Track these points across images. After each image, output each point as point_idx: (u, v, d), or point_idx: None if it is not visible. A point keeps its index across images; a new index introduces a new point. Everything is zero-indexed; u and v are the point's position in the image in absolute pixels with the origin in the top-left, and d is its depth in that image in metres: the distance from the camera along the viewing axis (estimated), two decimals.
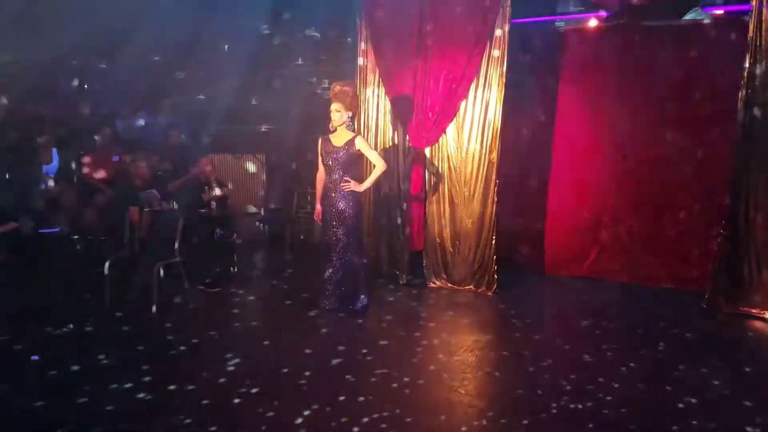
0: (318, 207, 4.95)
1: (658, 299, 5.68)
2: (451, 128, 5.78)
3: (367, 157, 4.99)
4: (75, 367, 3.74)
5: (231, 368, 3.76)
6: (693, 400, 3.46)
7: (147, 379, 3.60)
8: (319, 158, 4.87)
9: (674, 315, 5.18)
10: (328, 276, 4.90)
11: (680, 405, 3.42)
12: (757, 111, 4.98)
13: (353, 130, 4.88)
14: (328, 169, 4.80)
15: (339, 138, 4.78)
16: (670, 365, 4.02)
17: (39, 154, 6.20)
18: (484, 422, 3.20)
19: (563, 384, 3.66)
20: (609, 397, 3.48)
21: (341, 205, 4.78)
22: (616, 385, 3.65)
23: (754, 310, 5.13)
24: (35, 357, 3.91)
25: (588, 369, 3.93)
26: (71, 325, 4.47)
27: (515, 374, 3.83)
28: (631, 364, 3.99)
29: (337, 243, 4.80)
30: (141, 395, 3.39)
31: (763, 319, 5.06)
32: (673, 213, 6.03)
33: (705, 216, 5.84)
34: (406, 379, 3.69)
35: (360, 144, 4.80)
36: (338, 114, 4.73)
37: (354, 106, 4.84)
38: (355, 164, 4.89)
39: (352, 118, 4.86)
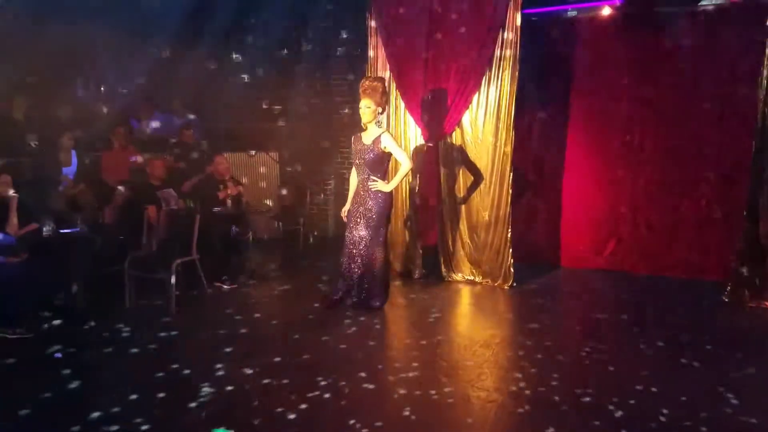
0: (347, 206, 4.92)
1: (677, 291, 5.60)
2: (465, 120, 5.73)
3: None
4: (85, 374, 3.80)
5: (249, 372, 3.72)
6: (733, 400, 3.37)
7: (161, 377, 3.64)
8: (353, 157, 4.90)
9: (697, 309, 5.09)
10: (349, 271, 4.85)
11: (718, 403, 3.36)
12: None
13: (382, 127, 4.85)
14: (357, 167, 4.80)
15: (368, 136, 4.76)
16: (698, 361, 3.93)
17: (58, 156, 6.30)
18: (503, 417, 3.18)
19: (584, 379, 3.62)
20: (634, 390, 3.43)
21: (369, 203, 4.75)
22: (638, 382, 3.58)
23: None
24: (58, 354, 3.98)
25: (610, 363, 3.88)
26: (92, 323, 4.55)
27: (534, 369, 3.79)
28: (652, 357, 3.95)
29: (360, 241, 4.76)
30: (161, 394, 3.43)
31: None
32: (692, 203, 5.94)
33: (725, 205, 5.75)
34: (421, 374, 3.69)
35: (387, 140, 4.73)
36: (368, 110, 4.68)
37: (384, 102, 4.79)
38: (383, 162, 4.81)
39: (381, 114, 4.82)
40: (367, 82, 4.72)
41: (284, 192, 6.26)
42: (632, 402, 3.30)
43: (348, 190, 5.06)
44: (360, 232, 4.77)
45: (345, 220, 4.92)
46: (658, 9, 5.78)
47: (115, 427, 3.00)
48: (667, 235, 6.06)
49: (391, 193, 4.87)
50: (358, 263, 4.80)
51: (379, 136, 4.70)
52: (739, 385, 3.52)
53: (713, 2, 5.80)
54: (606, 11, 6.13)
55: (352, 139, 4.89)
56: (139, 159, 6.54)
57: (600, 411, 3.21)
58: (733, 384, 3.53)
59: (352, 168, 4.96)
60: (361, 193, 4.77)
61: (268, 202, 7.46)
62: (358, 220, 4.77)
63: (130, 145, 6.77)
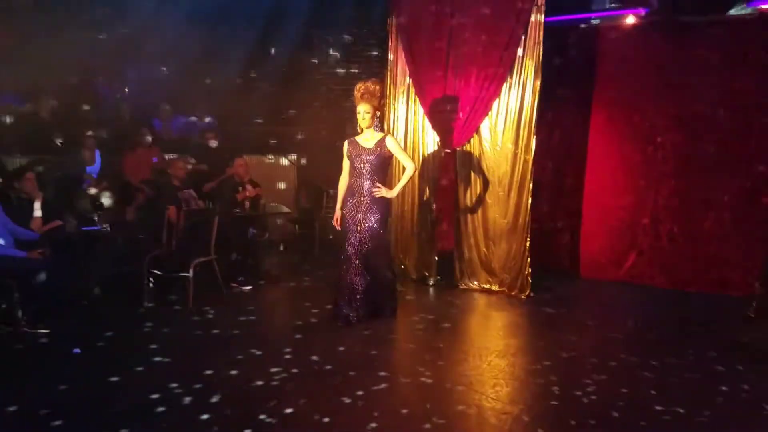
0: (338, 212, 4.68)
1: (699, 305, 5.48)
2: (485, 127, 5.68)
3: (396, 159, 4.86)
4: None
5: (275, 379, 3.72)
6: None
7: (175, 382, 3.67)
8: (345, 162, 4.66)
9: (721, 324, 4.98)
10: (354, 284, 4.57)
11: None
12: None
13: (381, 130, 4.72)
14: (357, 172, 4.57)
15: (368, 140, 4.57)
16: (722, 379, 3.83)
17: (83, 155, 6.43)
18: (517, 430, 3.12)
19: (602, 393, 3.56)
20: (655, 408, 3.36)
21: (371, 209, 4.54)
22: (659, 400, 3.49)
23: None
24: (76, 350, 4.04)
25: (629, 379, 3.79)
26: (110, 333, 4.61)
27: (549, 381, 3.73)
28: (673, 375, 3.85)
29: (362, 248, 4.53)
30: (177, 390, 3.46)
31: None
32: (715, 215, 5.81)
33: (749, 218, 5.62)
34: (435, 382, 3.66)
35: (391, 144, 4.60)
36: (368, 116, 4.51)
37: (382, 105, 4.68)
38: (387, 166, 4.70)
39: (381, 119, 4.70)
40: (363, 87, 4.50)
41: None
42: (653, 419, 3.23)
43: (337, 195, 4.79)
44: (363, 241, 4.53)
45: (337, 227, 4.68)
46: (684, 18, 5.69)
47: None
48: (690, 248, 5.94)
49: (390, 199, 4.73)
50: (363, 275, 4.57)
51: (383, 139, 4.56)
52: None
53: (741, 11, 5.70)
54: (630, 20, 6.06)
55: (345, 143, 4.66)
56: (156, 159, 6.65)
57: (621, 427, 3.15)
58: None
59: (341, 173, 4.73)
60: (360, 198, 4.54)
61: (283, 208, 7.50)
62: (359, 227, 4.54)
63: (152, 146, 6.87)
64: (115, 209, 6.08)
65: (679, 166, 5.94)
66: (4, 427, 3.06)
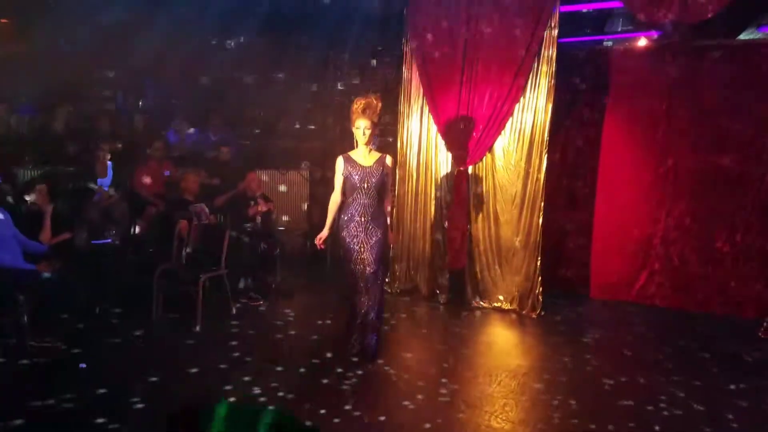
0: (326, 233, 4.40)
1: (712, 326, 5.46)
2: (498, 146, 5.73)
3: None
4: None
5: (274, 384, 3.74)
6: None
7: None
8: (338, 179, 4.34)
9: (733, 345, 4.95)
10: (364, 309, 4.27)
11: None
12: None
13: (377, 149, 4.50)
14: (358, 191, 4.26)
15: (366, 157, 4.29)
16: (733, 400, 3.82)
17: (95, 167, 6.45)
18: None
19: (612, 415, 3.53)
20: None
21: (374, 230, 4.28)
22: (671, 421, 3.49)
23: None
24: (83, 365, 4.01)
25: (642, 400, 3.78)
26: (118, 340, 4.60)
27: (560, 402, 3.71)
28: (682, 394, 3.83)
29: (365, 270, 4.23)
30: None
31: None
32: (728, 236, 5.80)
33: (761, 239, 5.60)
34: (445, 401, 3.64)
35: (391, 164, 4.40)
36: (368, 132, 4.22)
37: (380, 122, 4.42)
38: (387, 186, 4.42)
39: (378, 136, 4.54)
40: (364, 101, 4.23)
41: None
42: None
43: (327, 214, 4.47)
44: (370, 265, 4.24)
45: (319, 246, 4.42)
46: (696, 42, 5.73)
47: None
48: (702, 269, 5.92)
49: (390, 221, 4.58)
50: (367, 301, 4.26)
51: (383, 159, 4.33)
52: None
53: (751, 35, 5.74)
54: (642, 42, 6.11)
55: (341, 160, 4.33)
56: (168, 172, 6.66)
57: None
58: None
59: (335, 190, 4.41)
60: (361, 218, 4.26)
61: (288, 219, 7.49)
62: (362, 248, 4.24)
63: (165, 159, 6.90)
64: (126, 222, 6.09)
65: (691, 186, 5.95)
66: None
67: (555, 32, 5.45)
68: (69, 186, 6.13)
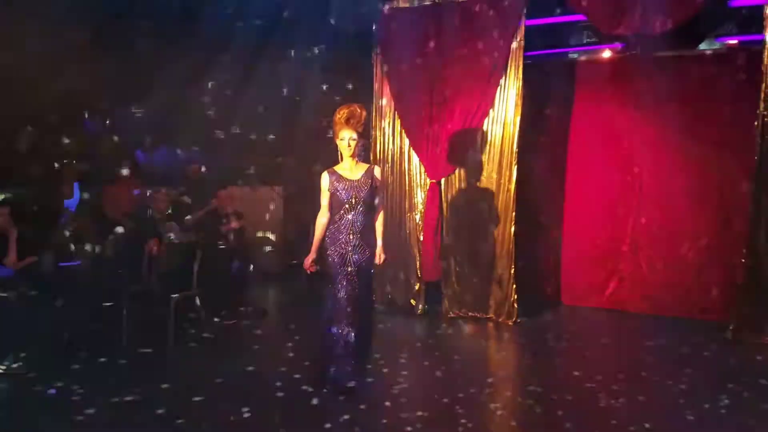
0: (313, 255, 4.01)
1: (680, 330, 5.56)
2: (470, 158, 5.82)
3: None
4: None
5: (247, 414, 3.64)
6: None
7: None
8: (325, 196, 3.99)
9: (698, 347, 5.06)
10: (348, 336, 3.85)
11: None
12: None
13: (364, 160, 4.34)
14: (345, 207, 3.93)
15: (353, 170, 3.98)
16: (697, 400, 3.90)
17: (61, 188, 6.31)
18: None
19: (588, 421, 3.58)
20: None
21: (364, 248, 3.96)
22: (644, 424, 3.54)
23: None
24: (52, 390, 3.90)
25: (616, 405, 3.82)
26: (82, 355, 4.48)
27: (538, 409, 3.74)
28: (657, 399, 3.89)
29: (352, 293, 3.88)
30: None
31: None
32: (692, 242, 5.96)
33: (725, 244, 5.76)
34: (419, 413, 3.62)
35: (378, 175, 4.10)
36: (354, 143, 3.91)
37: (365, 131, 4.12)
38: (375, 199, 4.09)
39: (364, 147, 4.45)
40: (348, 111, 3.90)
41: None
42: None
43: (315, 236, 4.07)
44: (360, 288, 3.93)
45: (309, 270, 4.01)
46: (657, 53, 5.91)
47: None
48: (669, 274, 6.06)
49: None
50: (353, 327, 3.87)
51: (371, 170, 4.03)
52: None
53: (711, 47, 5.94)
54: (607, 54, 6.27)
55: (326, 175, 3.98)
56: (138, 191, 6.56)
57: None
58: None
59: (321, 209, 4.02)
60: (349, 236, 3.91)
61: (269, 235, 7.44)
62: (353, 270, 3.91)
63: (134, 178, 6.79)
64: (94, 244, 5.96)
65: (656, 194, 6.10)
66: None
67: (522, 45, 5.57)
68: (33, 208, 5.98)
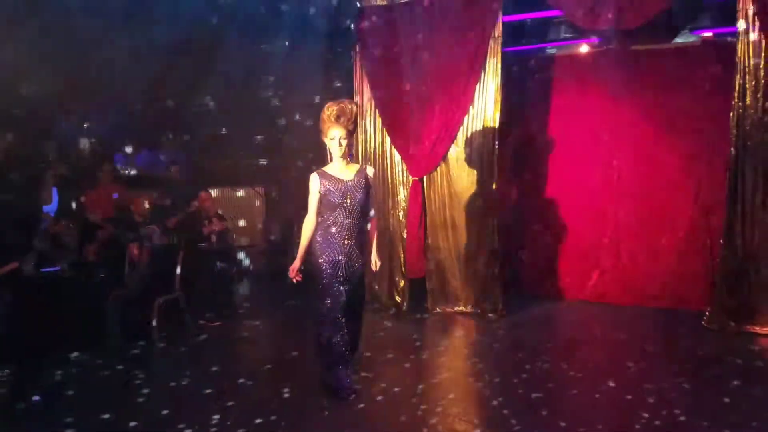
0: (299, 262, 3.75)
1: (661, 320, 5.63)
2: (450, 155, 5.85)
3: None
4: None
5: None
6: (705, 424, 3.40)
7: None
8: (314, 199, 3.73)
9: (678, 335, 5.15)
10: (344, 343, 3.70)
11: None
12: (748, 129, 5.03)
13: (354, 159, 4.21)
14: (338, 210, 3.68)
15: (345, 171, 3.74)
16: (675, 388, 3.95)
17: (40, 194, 6.24)
18: None
19: (572, 412, 3.62)
20: (618, 426, 3.42)
21: (358, 255, 3.75)
22: (630, 417, 3.57)
23: (756, 327, 5.10)
24: (37, 397, 3.86)
25: (600, 396, 3.87)
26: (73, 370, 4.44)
27: (521, 402, 3.78)
28: (631, 389, 3.93)
29: (346, 299, 3.71)
30: None
31: (764, 335, 5.02)
32: (672, 233, 6.04)
33: (704, 235, 5.85)
34: (407, 405, 3.66)
35: (372, 175, 3.87)
36: (345, 142, 3.68)
37: (356, 129, 3.86)
38: (369, 202, 3.85)
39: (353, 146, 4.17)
40: (338, 107, 3.64)
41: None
42: None
43: (302, 241, 3.80)
44: (353, 295, 3.76)
45: (295, 279, 3.74)
46: (634, 47, 5.97)
47: None
48: (650, 266, 6.13)
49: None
50: (347, 336, 3.73)
51: (363, 170, 3.82)
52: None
53: (687, 40, 6.01)
54: (584, 49, 6.32)
55: (316, 177, 3.73)
56: (118, 195, 6.51)
57: None
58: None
59: (309, 213, 3.77)
60: (345, 241, 3.69)
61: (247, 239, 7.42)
62: (345, 276, 3.70)
63: (114, 182, 6.73)
64: (75, 249, 5.91)
65: (635, 186, 6.17)
66: None
67: (500, 42, 5.60)
68: (13, 214, 5.91)
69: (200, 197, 6.25)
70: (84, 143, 7.18)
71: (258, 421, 3.47)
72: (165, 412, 3.61)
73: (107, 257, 5.75)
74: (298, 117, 7.69)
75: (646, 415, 3.49)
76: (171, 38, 6.42)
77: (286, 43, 6.95)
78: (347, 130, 3.67)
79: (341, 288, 3.69)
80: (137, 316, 5.00)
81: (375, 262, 3.93)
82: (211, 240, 6.07)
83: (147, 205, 6.01)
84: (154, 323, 4.87)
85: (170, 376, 4.21)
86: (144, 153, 7.57)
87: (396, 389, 3.96)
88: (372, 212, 3.92)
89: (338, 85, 6.96)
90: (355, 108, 3.73)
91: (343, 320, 3.69)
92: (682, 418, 3.45)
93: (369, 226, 3.89)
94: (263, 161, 7.78)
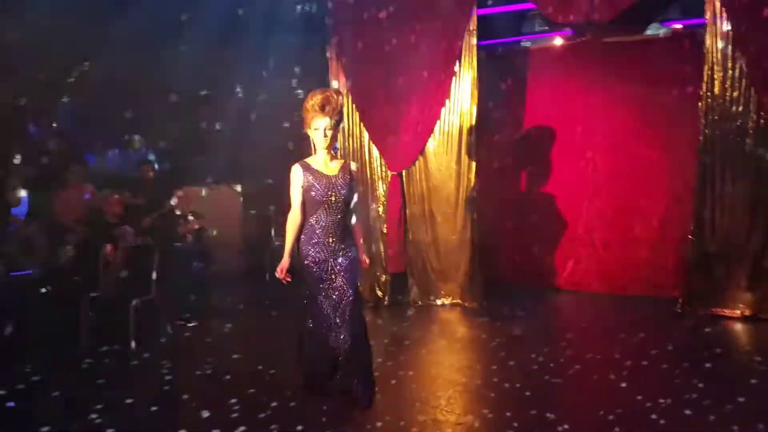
0: (286, 261, 3.55)
1: (635, 307, 5.76)
2: (428, 148, 5.89)
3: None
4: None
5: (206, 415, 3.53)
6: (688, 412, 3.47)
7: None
8: (297, 193, 3.55)
9: (651, 321, 5.27)
10: (336, 346, 3.48)
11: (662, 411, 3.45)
12: (716, 118, 5.14)
13: (336, 154, 3.94)
14: (322, 207, 3.50)
15: (329, 166, 3.55)
16: (648, 371, 4.06)
17: (6, 197, 6.06)
18: None
19: (553, 401, 3.67)
20: (600, 412, 3.45)
21: (346, 252, 3.55)
22: (608, 406, 3.61)
23: (726, 311, 5.26)
24: (11, 403, 3.76)
25: (579, 385, 3.95)
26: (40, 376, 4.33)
27: (502, 390, 3.81)
28: (612, 376, 4.01)
29: (348, 304, 3.48)
30: None
31: (734, 318, 5.19)
32: (645, 222, 6.17)
33: (676, 223, 5.98)
34: (392, 396, 3.68)
35: (356, 170, 3.73)
36: (330, 133, 3.48)
37: (341, 120, 3.67)
38: (354, 199, 3.70)
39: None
40: (323, 96, 3.44)
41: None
42: (608, 416, 3.34)
43: (287, 239, 3.60)
44: (345, 292, 3.50)
45: (284, 279, 3.52)
46: (606, 39, 6.05)
47: None
48: (624, 254, 6.27)
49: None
50: (348, 333, 3.47)
51: (348, 164, 3.65)
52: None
53: (658, 32, 6.11)
54: (558, 41, 6.39)
55: (298, 169, 3.53)
56: (90, 195, 6.36)
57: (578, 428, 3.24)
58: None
59: (292, 208, 3.58)
60: (330, 239, 3.50)
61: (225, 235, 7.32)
62: (333, 276, 3.50)
63: (85, 183, 6.57)
64: (47, 251, 5.75)
65: (609, 177, 6.30)
66: None
67: (474, 35, 5.63)
68: None
69: (175, 195, 6.15)
70: (53, 143, 6.98)
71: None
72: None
73: (80, 259, 5.62)
74: (271, 112, 7.63)
75: (623, 400, 3.56)
76: (140, 34, 6.30)
77: (261, 36, 6.86)
78: (333, 120, 3.47)
79: (333, 289, 3.48)
80: (112, 318, 4.90)
81: (364, 260, 3.75)
82: (188, 239, 5.98)
83: (120, 206, 5.88)
84: (132, 326, 4.77)
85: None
86: (116, 152, 7.40)
87: (387, 383, 3.94)
88: (358, 208, 3.77)
89: (313, 78, 6.90)
90: (341, 98, 3.56)
91: (340, 322, 3.45)
92: (661, 401, 3.52)
93: (354, 223, 3.70)
94: (239, 158, 7.68)
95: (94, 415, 3.56)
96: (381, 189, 6.04)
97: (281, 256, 3.61)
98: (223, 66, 7.06)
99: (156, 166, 6.96)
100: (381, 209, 6.03)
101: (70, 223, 6.05)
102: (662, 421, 3.28)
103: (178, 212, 6.09)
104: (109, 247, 5.44)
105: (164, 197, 6.34)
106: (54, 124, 7.08)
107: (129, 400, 3.75)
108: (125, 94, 6.91)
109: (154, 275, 5.08)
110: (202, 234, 6.21)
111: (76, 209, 6.25)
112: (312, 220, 3.53)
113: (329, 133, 3.48)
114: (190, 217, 6.09)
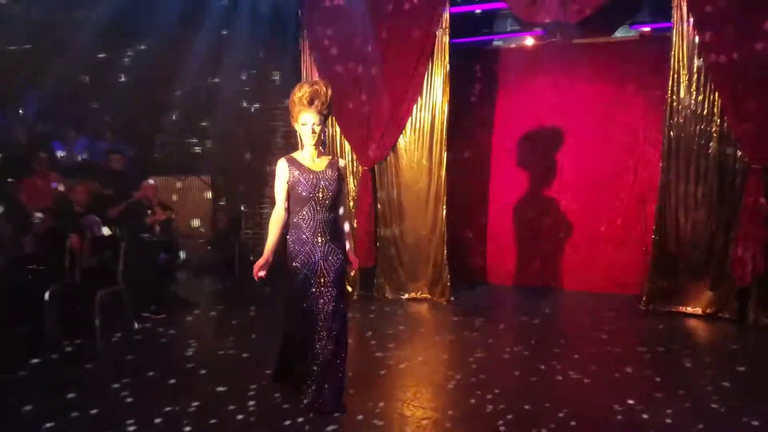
0: (267, 256, 3.36)
1: (599, 304, 5.87)
2: (399, 145, 5.92)
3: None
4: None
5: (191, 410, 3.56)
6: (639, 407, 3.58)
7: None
8: (282, 188, 3.41)
9: (614, 318, 5.40)
10: (321, 350, 3.36)
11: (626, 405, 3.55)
12: (680, 121, 5.26)
13: (324, 149, 3.82)
14: (309, 204, 3.37)
15: (316, 161, 3.42)
16: (610, 367, 4.16)
17: None
18: None
19: (517, 392, 3.75)
20: (563, 408, 3.54)
21: (334, 252, 3.43)
22: (573, 394, 3.75)
23: (688, 308, 5.42)
24: None
25: (545, 377, 4.03)
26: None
27: (469, 385, 3.88)
28: (571, 372, 4.10)
29: (325, 305, 3.35)
30: None
31: (694, 316, 5.35)
32: (610, 222, 6.29)
33: (640, 223, 6.11)
34: (357, 390, 3.70)
35: (343, 167, 3.61)
36: (318, 128, 3.34)
37: (330, 114, 3.50)
38: (342, 196, 3.59)
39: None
40: (311, 89, 3.28)
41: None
42: (567, 412, 3.42)
43: (269, 236, 3.45)
44: (330, 294, 3.38)
45: (257, 276, 3.34)
46: (576, 40, 6.14)
47: None
48: (589, 252, 6.38)
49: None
50: (332, 337, 3.37)
51: (336, 160, 3.53)
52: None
53: (626, 34, 6.22)
54: (529, 41, 6.46)
55: (284, 164, 3.40)
56: (60, 186, 6.24)
57: (540, 424, 3.30)
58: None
59: (277, 204, 3.44)
60: (318, 238, 3.37)
61: (198, 225, 7.26)
62: (321, 278, 3.37)
63: (52, 171, 6.45)
64: (11, 241, 5.64)
65: (576, 176, 6.38)
66: None
67: (447, 33, 5.66)
68: None
69: (143, 186, 6.08)
70: (18, 131, 6.84)
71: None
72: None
73: (46, 249, 5.52)
74: (244, 104, 7.59)
75: (585, 397, 3.68)
76: (112, 24, 6.21)
77: (231, 29, 6.81)
78: (321, 114, 3.31)
79: (320, 291, 3.37)
80: (77, 310, 4.83)
81: (353, 261, 3.61)
82: (155, 230, 5.92)
83: (87, 195, 5.79)
84: (97, 317, 4.71)
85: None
86: (83, 140, 7.28)
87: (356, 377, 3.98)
88: (345, 205, 3.65)
89: (285, 72, 6.89)
90: (330, 91, 3.34)
91: (324, 325, 3.34)
92: (631, 402, 3.62)
93: (343, 222, 3.57)
94: (209, 149, 7.61)
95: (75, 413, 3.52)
96: (352, 184, 6.05)
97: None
98: (195, 57, 6.98)
99: (125, 155, 6.87)
100: (351, 204, 6.04)
101: (36, 213, 5.94)
102: (619, 417, 3.38)
103: (145, 203, 6.01)
104: (74, 237, 5.36)
105: (132, 187, 6.27)
106: (20, 111, 6.93)
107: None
108: (92, 83, 6.80)
109: (120, 266, 5.02)
110: (170, 225, 6.14)
111: (42, 198, 6.14)
112: (298, 218, 3.39)
113: (317, 128, 3.33)
114: (158, 209, 6.01)
